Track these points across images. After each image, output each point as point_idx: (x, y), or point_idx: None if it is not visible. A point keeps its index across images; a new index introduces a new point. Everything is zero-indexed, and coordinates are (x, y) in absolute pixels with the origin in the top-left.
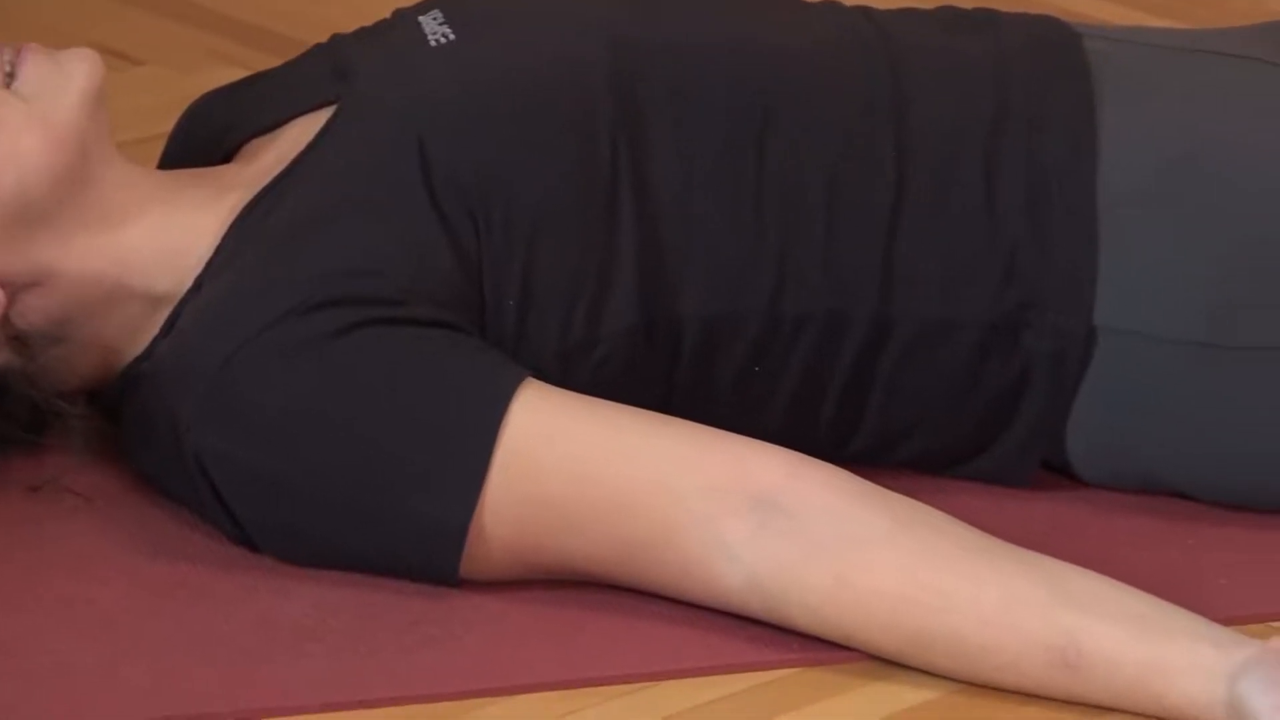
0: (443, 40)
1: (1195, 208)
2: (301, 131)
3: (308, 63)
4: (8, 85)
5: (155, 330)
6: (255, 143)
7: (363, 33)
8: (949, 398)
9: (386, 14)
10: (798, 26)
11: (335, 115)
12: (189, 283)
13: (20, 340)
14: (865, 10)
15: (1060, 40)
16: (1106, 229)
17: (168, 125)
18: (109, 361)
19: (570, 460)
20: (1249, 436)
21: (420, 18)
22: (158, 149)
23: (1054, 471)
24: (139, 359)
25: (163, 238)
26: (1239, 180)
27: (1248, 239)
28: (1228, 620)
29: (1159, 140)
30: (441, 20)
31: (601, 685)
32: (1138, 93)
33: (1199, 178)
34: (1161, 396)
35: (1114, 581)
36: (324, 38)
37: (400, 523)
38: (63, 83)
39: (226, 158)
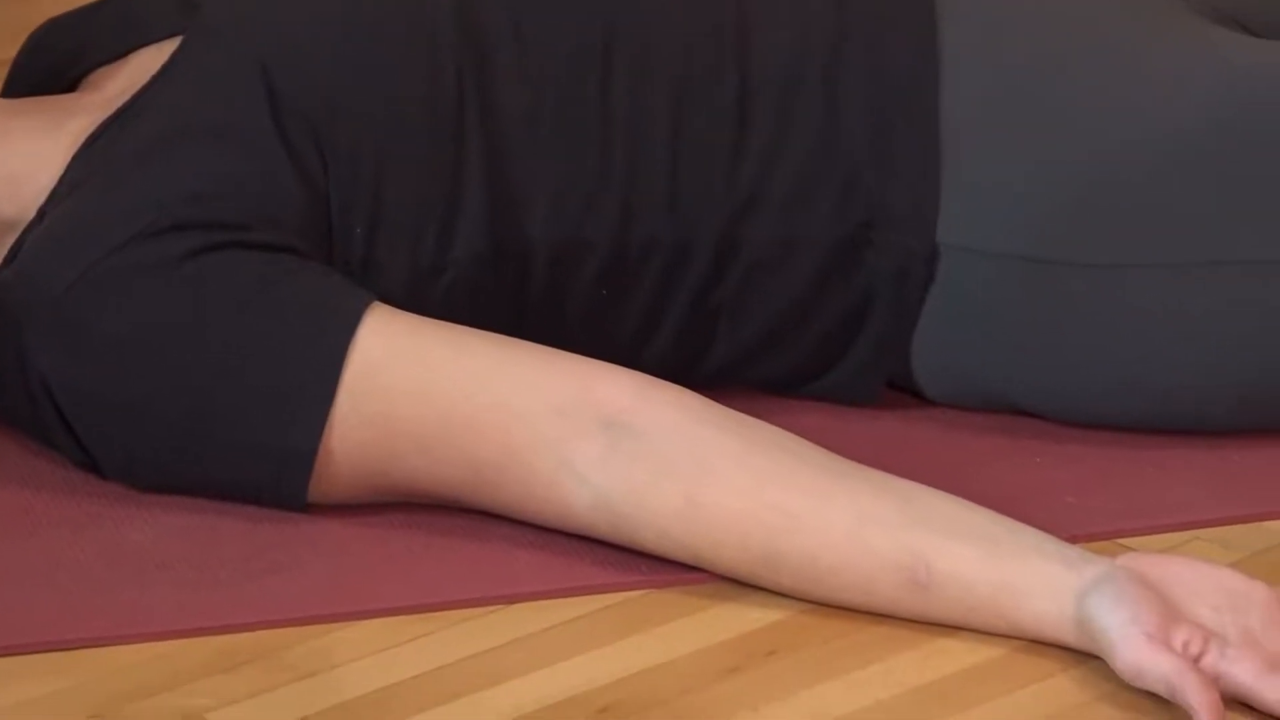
0: None
1: (1039, 125)
2: (148, 61)
3: None
4: None
5: None
6: (101, 71)
7: None
8: (795, 317)
9: None
10: None
11: (181, 45)
12: (33, 211)
13: None
14: None
15: None
16: (949, 146)
17: (8, 52)
18: None
19: (417, 382)
20: (1090, 354)
21: None
22: None
23: (901, 391)
24: None
25: (4, 165)
26: (1084, 98)
27: (1091, 156)
28: (1075, 538)
29: (1003, 57)
30: None
31: (450, 609)
32: (981, 8)
33: (1044, 95)
34: (1005, 314)
35: (963, 501)
36: None
37: (247, 447)
38: None
39: (71, 86)
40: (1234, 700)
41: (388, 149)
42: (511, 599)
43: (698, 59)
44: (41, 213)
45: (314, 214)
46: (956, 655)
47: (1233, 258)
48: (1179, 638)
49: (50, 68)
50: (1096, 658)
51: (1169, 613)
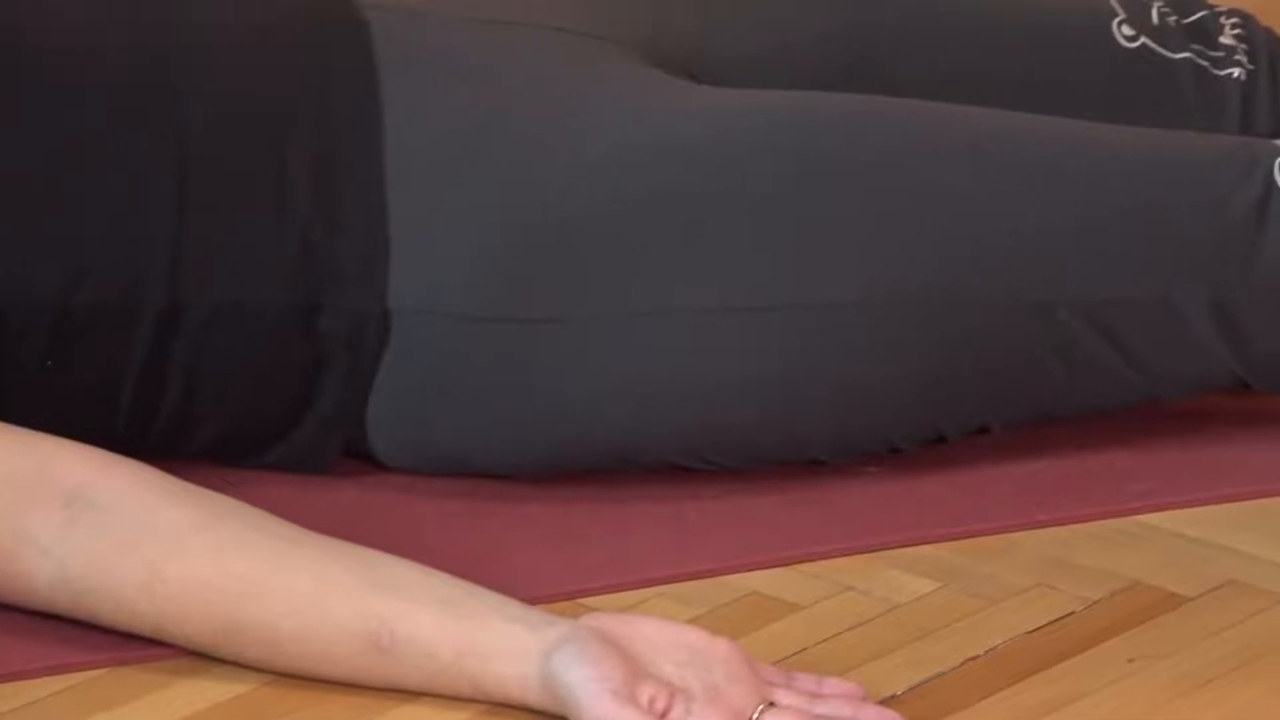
0: None
1: (483, 180)
2: None
3: None
4: None
5: None
6: None
7: None
8: (247, 383)
9: None
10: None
11: None
12: None
13: None
14: None
15: (342, 13)
16: (397, 205)
17: None
18: None
19: None
20: (543, 408)
21: None
22: None
23: (358, 458)
24: None
25: None
26: (527, 152)
27: (533, 211)
28: (536, 599)
29: (446, 111)
30: None
31: None
32: (422, 64)
33: (487, 149)
34: (460, 376)
35: (425, 567)
36: None
37: None
38: None
39: None
40: None
41: None
42: None
43: (131, 111)
44: None
45: None
46: None
47: (671, 306)
48: (645, 694)
49: None
50: (563, 718)
51: (634, 670)
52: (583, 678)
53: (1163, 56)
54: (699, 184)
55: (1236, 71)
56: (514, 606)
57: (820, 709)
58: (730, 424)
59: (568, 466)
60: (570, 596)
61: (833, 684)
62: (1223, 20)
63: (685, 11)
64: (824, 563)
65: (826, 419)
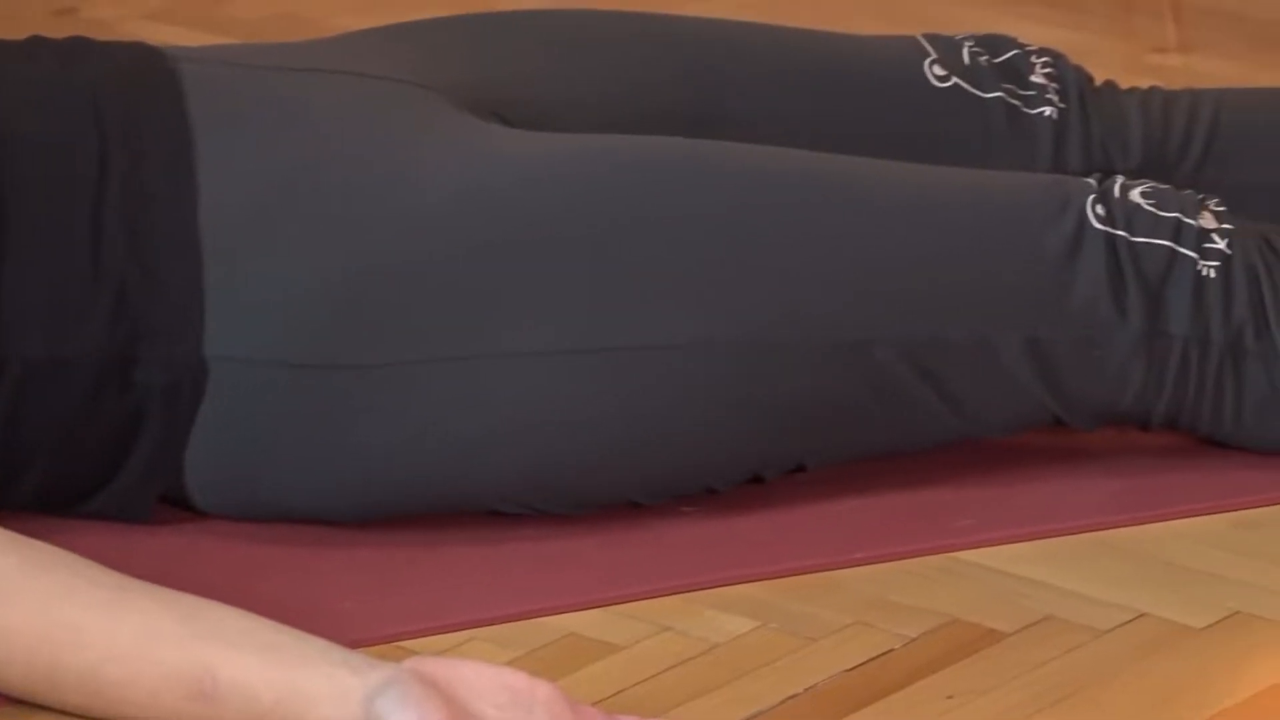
0: None
1: (300, 229)
2: None
3: None
4: None
5: None
6: None
7: None
8: (65, 437)
9: None
10: None
11: None
12: None
13: None
14: None
15: (153, 66)
16: (213, 257)
17: None
18: None
19: None
20: (365, 452)
21: None
22: None
23: (179, 505)
24: None
25: None
26: (345, 199)
27: (351, 257)
28: (357, 643)
29: (259, 163)
30: None
31: None
32: (235, 114)
33: (304, 198)
34: (278, 422)
35: (247, 613)
36: None
37: None
38: None
39: None
40: None
41: None
42: None
43: None
44: None
45: None
46: None
47: (494, 351)
48: None
49: None
50: None
51: (455, 713)
52: None
53: (974, 96)
54: (520, 230)
55: (1048, 110)
56: (337, 651)
57: None
58: (552, 468)
59: (391, 513)
60: (389, 640)
61: None
62: (1034, 59)
63: (502, 57)
64: (642, 603)
65: (646, 462)
